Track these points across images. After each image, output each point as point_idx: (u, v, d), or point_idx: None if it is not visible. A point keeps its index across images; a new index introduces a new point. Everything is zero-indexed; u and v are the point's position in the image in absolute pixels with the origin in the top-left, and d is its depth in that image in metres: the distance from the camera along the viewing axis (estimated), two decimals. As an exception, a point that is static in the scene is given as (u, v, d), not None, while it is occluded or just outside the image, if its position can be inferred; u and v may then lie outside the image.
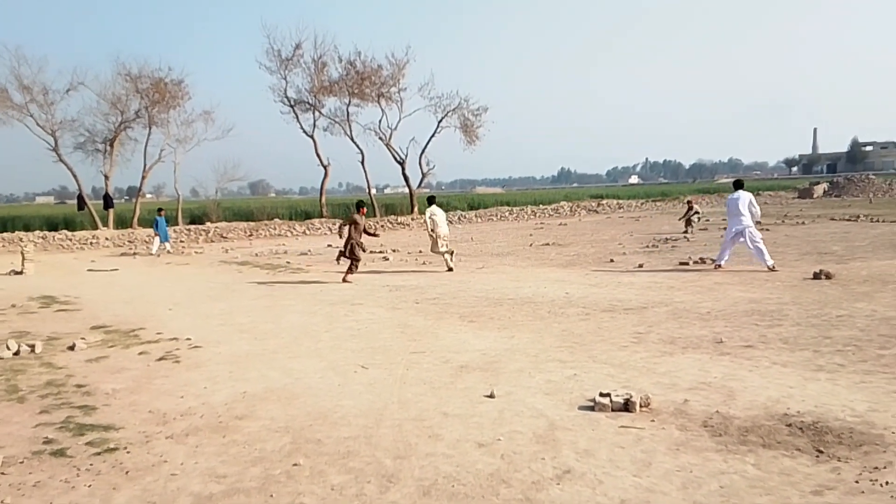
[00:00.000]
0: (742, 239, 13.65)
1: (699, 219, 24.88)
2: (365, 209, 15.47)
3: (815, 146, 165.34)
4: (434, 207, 16.57)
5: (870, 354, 6.76)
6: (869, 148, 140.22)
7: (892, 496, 3.75)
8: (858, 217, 26.65)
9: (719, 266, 13.83)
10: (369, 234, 15.57)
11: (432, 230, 16.03)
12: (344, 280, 14.21)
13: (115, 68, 37.57)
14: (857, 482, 3.95)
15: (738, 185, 14.63)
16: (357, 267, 14.58)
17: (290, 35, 57.37)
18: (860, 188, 51.15)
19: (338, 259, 14.97)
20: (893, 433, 4.66)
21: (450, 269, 15.56)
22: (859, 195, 48.91)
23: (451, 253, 16.21)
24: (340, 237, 14.81)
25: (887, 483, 3.90)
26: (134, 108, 35.17)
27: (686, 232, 23.55)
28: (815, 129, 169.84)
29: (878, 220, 25.12)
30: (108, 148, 34.95)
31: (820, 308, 9.24)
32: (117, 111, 34.77)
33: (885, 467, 4.12)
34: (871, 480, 3.96)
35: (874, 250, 15.96)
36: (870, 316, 8.58)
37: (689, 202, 25.42)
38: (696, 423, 5.03)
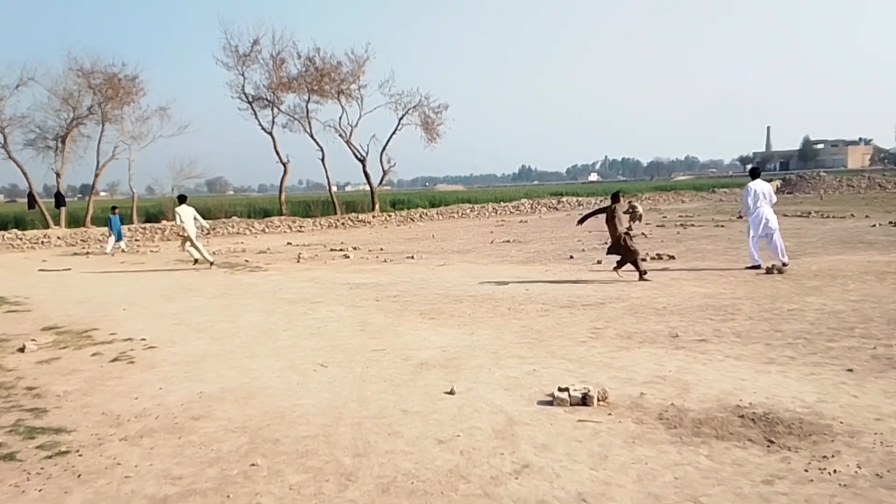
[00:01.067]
0: (766, 233, 12.84)
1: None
2: (624, 196, 13.67)
3: (768, 144, 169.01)
4: (182, 207, 17.37)
5: (819, 347, 6.95)
6: (820, 146, 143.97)
7: (839, 484, 3.86)
8: (810, 213, 27.36)
9: (758, 267, 12.68)
10: (636, 217, 13.14)
11: (182, 229, 16.90)
12: (642, 277, 12.22)
13: (67, 63, 36.48)
14: (806, 471, 4.06)
15: (754, 173, 13.66)
16: (638, 259, 12.52)
17: (247, 31, 56.62)
18: (812, 185, 52.52)
19: (617, 268, 12.66)
20: (841, 423, 4.80)
21: (196, 262, 16.67)
22: (811, 192, 50.22)
23: (196, 247, 17.22)
24: (579, 223, 13.24)
25: (835, 471, 4.02)
26: (86, 104, 34.30)
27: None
28: (768, 128, 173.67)
29: (828, 217, 25.84)
30: (60, 145, 34.02)
31: (772, 302, 9.47)
32: (69, 107, 33.88)
33: (832, 456, 4.24)
34: (819, 469, 4.07)
35: (824, 246, 16.41)
36: (819, 310, 8.82)
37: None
38: (651, 417, 5.12)
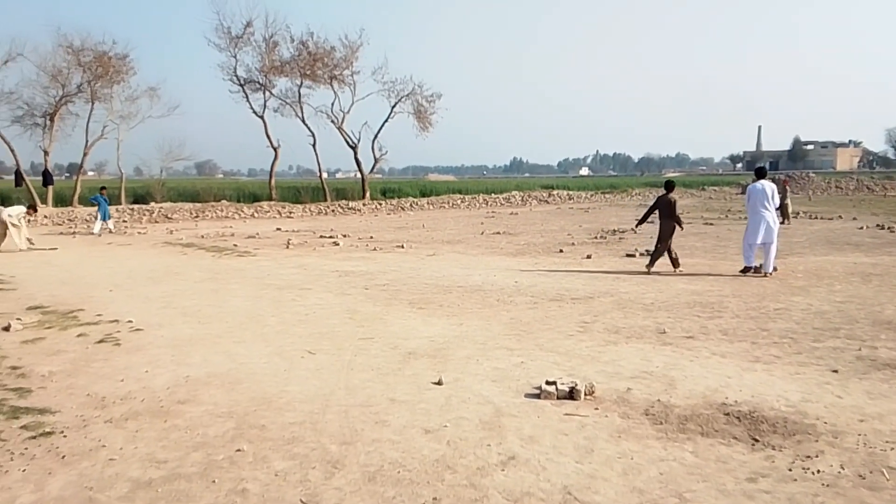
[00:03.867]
0: (765, 241, 12.02)
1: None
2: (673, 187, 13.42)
3: (758, 144, 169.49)
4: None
5: (804, 347, 7.00)
6: (810, 147, 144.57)
7: (822, 484, 3.90)
8: (798, 214, 27.49)
9: (757, 269, 12.07)
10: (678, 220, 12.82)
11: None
12: (676, 269, 12.48)
13: (57, 40, 36.14)
14: (789, 470, 4.09)
15: (760, 173, 12.89)
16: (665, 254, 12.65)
17: (240, 12, 56.39)
18: (801, 186, 52.80)
19: (676, 265, 12.59)
20: (825, 423, 4.84)
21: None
22: (799, 192, 50.45)
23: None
24: (639, 225, 13.22)
25: (819, 471, 4.05)
26: (76, 81, 34.01)
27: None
28: (759, 127, 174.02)
29: (816, 218, 26.00)
30: (48, 122, 33.70)
31: (758, 301, 9.52)
32: (58, 84, 33.56)
33: (816, 456, 4.28)
34: (803, 468, 4.10)
35: (811, 246, 16.52)
36: (805, 310, 8.88)
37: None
38: (637, 412, 5.14)
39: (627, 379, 5.97)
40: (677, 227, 12.61)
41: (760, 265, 12.10)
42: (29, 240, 18.20)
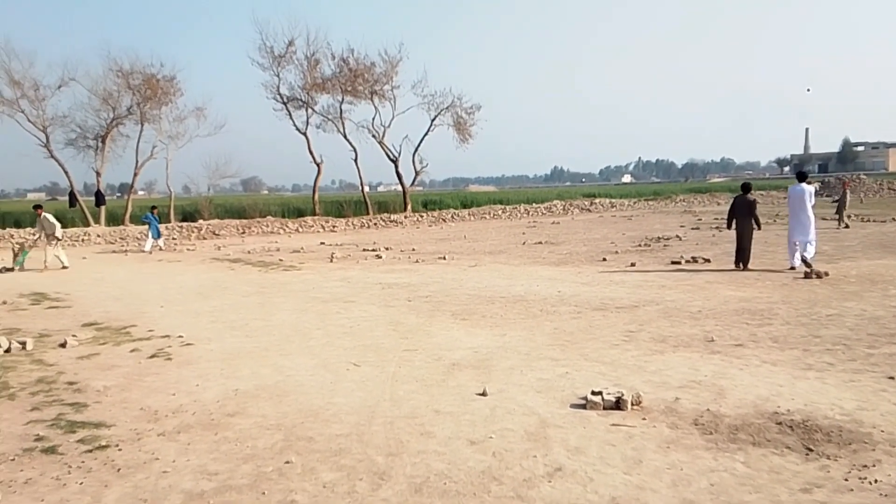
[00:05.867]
0: (804, 238, 13.23)
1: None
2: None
3: (806, 146, 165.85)
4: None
5: (859, 353, 6.81)
6: (860, 148, 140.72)
7: (880, 494, 3.78)
8: (850, 216, 26.76)
9: (794, 268, 13.09)
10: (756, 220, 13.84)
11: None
12: (746, 267, 13.38)
13: (107, 63, 37.28)
14: (845, 480, 3.98)
15: (801, 177, 14.16)
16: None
17: (282, 31, 56.91)
18: (851, 188, 51.31)
19: (744, 264, 13.51)
20: (882, 431, 4.70)
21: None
22: (849, 195, 49.12)
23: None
24: (729, 227, 13.84)
25: (876, 481, 3.94)
26: (126, 104, 34.93)
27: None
28: (806, 130, 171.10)
29: (868, 220, 25.28)
30: (100, 144, 34.69)
31: (810, 307, 9.30)
32: (109, 107, 34.52)
33: (873, 465, 4.16)
34: (859, 478, 3.99)
35: (864, 250, 16.07)
36: (859, 315, 8.64)
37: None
38: (686, 422, 5.06)
39: (675, 388, 5.89)
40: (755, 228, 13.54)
41: (808, 265, 12.76)
42: (57, 257, 18.61)
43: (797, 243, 13.30)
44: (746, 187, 14.20)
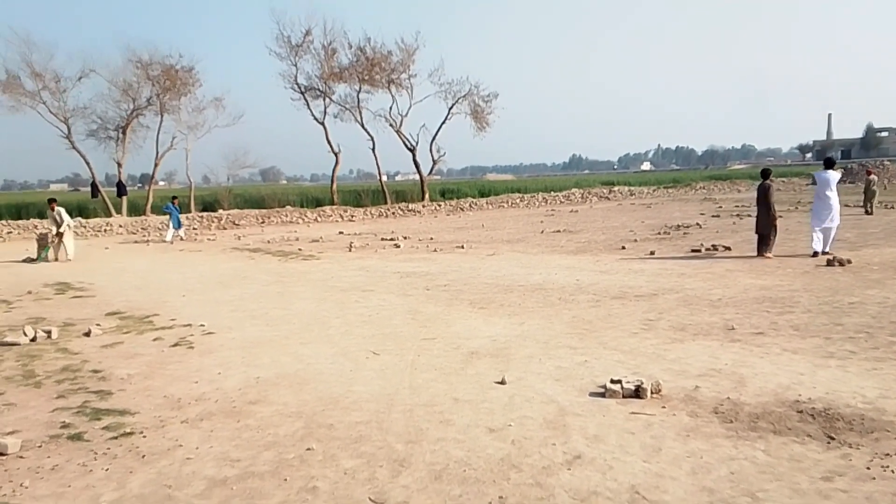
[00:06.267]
0: (829, 225, 13.42)
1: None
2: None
3: (829, 132, 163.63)
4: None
5: (881, 341, 6.74)
6: (884, 134, 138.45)
7: (901, 482, 3.76)
8: (878, 205, 26.39)
9: (817, 253, 13.12)
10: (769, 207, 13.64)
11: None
12: (764, 256, 13.37)
13: (126, 55, 37.60)
14: (867, 468, 3.96)
15: (829, 163, 14.21)
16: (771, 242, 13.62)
17: (299, 21, 56.87)
18: (877, 175, 50.59)
19: (763, 251, 13.53)
20: (904, 420, 4.66)
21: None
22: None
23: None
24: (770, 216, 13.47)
25: (897, 469, 3.91)
26: (145, 95, 35.19)
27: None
28: (829, 115, 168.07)
29: (891, 207, 24.93)
30: (121, 135, 35.01)
31: (831, 295, 9.21)
32: (129, 98, 34.81)
33: (895, 454, 4.12)
34: (881, 467, 3.97)
35: (886, 237, 15.87)
36: (882, 303, 8.55)
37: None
38: (706, 410, 5.05)
39: (695, 377, 5.87)
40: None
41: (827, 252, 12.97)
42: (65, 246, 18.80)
43: (821, 230, 13.35)
44: (766, 173, 14.20)
